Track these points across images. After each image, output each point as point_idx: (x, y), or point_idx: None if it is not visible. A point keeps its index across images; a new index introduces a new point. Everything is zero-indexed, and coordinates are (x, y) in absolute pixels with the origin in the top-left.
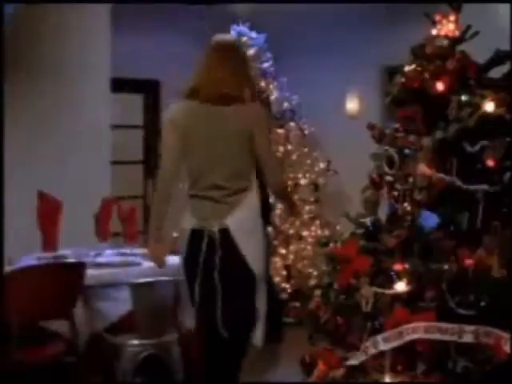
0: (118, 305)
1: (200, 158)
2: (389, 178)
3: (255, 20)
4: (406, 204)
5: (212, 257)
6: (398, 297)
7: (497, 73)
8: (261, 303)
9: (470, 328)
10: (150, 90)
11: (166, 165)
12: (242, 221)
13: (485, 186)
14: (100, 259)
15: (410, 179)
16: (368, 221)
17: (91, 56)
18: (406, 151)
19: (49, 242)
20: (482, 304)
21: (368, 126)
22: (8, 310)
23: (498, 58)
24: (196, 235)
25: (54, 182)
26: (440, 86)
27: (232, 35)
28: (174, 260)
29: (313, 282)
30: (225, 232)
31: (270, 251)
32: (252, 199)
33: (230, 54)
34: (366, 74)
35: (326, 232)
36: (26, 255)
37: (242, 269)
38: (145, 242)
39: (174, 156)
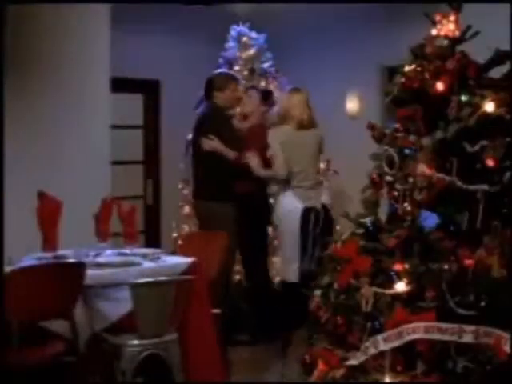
0: (118, 305)
1: (298, 162)
2: (389, 178)
3: (255, 20)
4: (406, 204)
5: (318, 221)
6: (398, 297)
7: (497, 73)
8: None
9: (469, 328)
10: (150, 90)
11: (277, 166)
12: (327, 200)
13: (485, 186)
14: (100, 259)
15: (410, 179)
16: (368, 221)
17: (91, 56)
18: (406, 151)
19: (49, 242)
20: (482, 304)
21: (368, 126)
22: (8, 310)
23: (498, 58)
24: (307, 210)
25: (54, 182)
26: (440, 86)
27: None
28: (173, 260)
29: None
30: (324, 206)
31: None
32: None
33: (304, 98)
34: (366, 74)
35: None
36: (26, 255)
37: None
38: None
39: (281, 160)
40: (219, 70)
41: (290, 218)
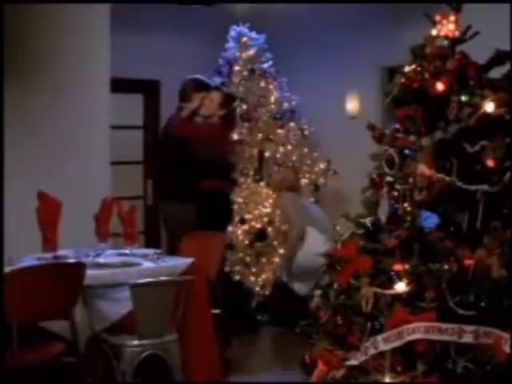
0: (118, 305)
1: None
2: (389, 178)
3: (255, 20)
4: (406, 204)
5: None
6: (398, 297)
7: (497, 73)
8: None
9: (469, 328)
10: (150, 90)
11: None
12: None
13: (485, 186)
14: (100, 259)
15: (410, 179)
16: (368, 221)
17: (91, 56)
18: (406, 151)
19: (49, 242)
20: (482, 304)
21: (368, 127)
22: (8, 310)
23: (498, 58)
24: None
25: (54, 182)
26: (440, 86)
27: None
28: (172, 260)
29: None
30: None
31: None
32: None
33: None
34: (366, 74)
35: None
36: (26, 255)
37: None
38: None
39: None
40: (194, 76)
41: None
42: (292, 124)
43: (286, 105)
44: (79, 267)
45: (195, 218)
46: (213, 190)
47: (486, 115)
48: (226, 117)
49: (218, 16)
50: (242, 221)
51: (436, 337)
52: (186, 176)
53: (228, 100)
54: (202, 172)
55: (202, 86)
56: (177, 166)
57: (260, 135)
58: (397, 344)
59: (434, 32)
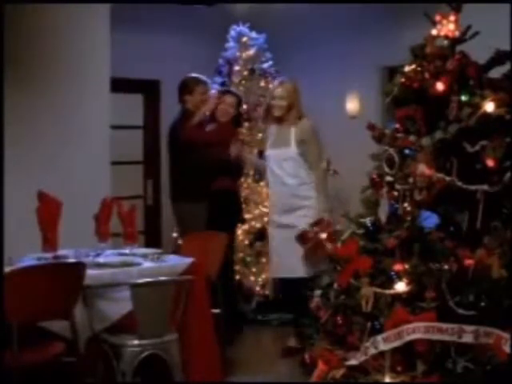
0: (118, 305)
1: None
2: (389, 178)
3: (255, 20)
4: (406, 204)
5: None
6: (398, 297)
7: (497, 73)
8: None
9: (469, 328)
10: (150, 90)
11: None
12: None
13: (485, 186)
14: (100, 259)
15: (410, 179)
16: (368, 221)
17: (91, 56)
18: (406, 151)
19: (49, 242)
20: (482, 304)
21: (368, 126)
22: (8, 310)
23: (498, 58)
24: None
25: (54, 181)
26: (440, 86)
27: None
28: (173, 260)
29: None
30: None
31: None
32: None
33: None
34: (366, 74)
35: None
36: (26, 255)
37: None
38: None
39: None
40: (189, 74)
41: None
42: None
43: None
44: (79, 267)
45: (207, 216)
46: (225, 189)
47: (486, 115)
48: (236, 116)
49: (218, 16)
50: (242, 221)
51: (436, 337)
52: (198, 177)
53: (239, 100)
54: (216, 172)
55: (201, 81)
56: (190, 167)
57: (260, 135)
58: (397, 344)
59: (434, 32)
